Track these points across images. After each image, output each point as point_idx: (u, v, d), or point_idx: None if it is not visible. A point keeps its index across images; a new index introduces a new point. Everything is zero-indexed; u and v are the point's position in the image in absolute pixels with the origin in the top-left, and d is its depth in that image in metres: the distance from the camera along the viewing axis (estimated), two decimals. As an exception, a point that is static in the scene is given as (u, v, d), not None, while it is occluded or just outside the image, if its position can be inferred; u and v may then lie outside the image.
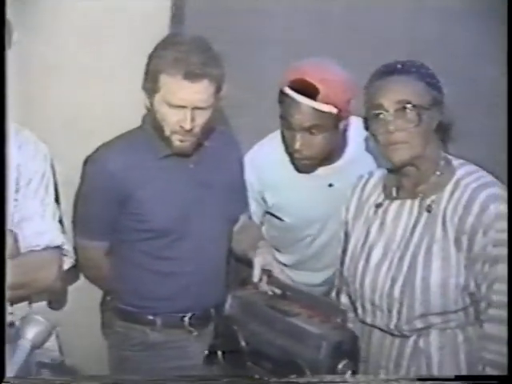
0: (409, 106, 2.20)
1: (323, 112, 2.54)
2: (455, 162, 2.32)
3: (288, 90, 2.56)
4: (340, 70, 2.60)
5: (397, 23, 3.53)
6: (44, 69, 2.62)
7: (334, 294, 2.54)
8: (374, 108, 2.25)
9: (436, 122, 2.27)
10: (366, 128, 2.29)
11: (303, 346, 2.21)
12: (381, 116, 2.23)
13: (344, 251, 2.45)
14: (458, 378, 2.19)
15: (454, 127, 2.33)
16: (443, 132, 2.33)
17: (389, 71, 2.27)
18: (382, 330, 2.32)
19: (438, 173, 2.28)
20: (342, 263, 2.44)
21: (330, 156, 2.71)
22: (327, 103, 2.53)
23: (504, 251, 2.17)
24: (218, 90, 2.47)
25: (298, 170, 2.73)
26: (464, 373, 2.27)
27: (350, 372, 2.19)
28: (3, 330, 2.09)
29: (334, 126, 2.59)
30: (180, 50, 2.39)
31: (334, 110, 2.55)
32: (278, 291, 2.44)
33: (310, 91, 2.52)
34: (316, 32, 3.30)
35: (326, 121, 2.56)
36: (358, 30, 3.41)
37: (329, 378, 2.16)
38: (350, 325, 2.32)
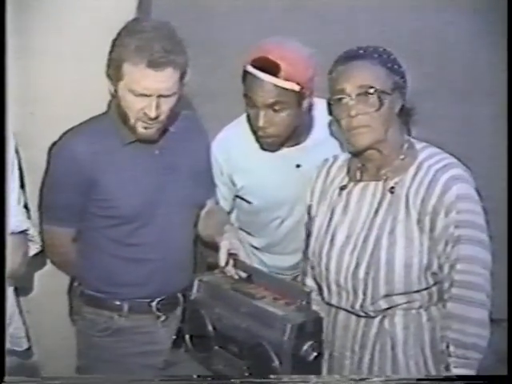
0: (370, 90, 2.22)
1: (285, 89, 2.56)
2: (418, 145, 2.34)
3: (250, 68, 2.59)
4: (302, 48, 2.62)
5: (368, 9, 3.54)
6: (10, 54, 2.59)
7: (300, 276, 2.54)
8: (336, 93, 2.27)
9: (398, 106, 2.30)
10: (330, 113, 2.31)
11: (268, 329, 2.23)
12: (343, 101, 2.25)
13: (309, 234, 2.46)
14: (459, 377, 2.20)
15: (417, 111, 2.36)
16: (406, 116, 2.35)
17: (351, 56, 2.29)
18: (347, 311, 2.34)
19: (401, 156, 2.31)
20: (307, 246, 2.45)
21: (296, 136, 2.72)
22: (289, 80, 2.55)
23: (466, 232, 2.20)
24: (183, 76, 2.45)
25: (263, 148, 2.74)
26: (428, 353, 2.30)
27: (314, 354, 2.21)
28: (3, 330, 2.14)
29: (298, 103, 2.61)
30: (142, 38, 2.37)
31: (296, 87, 2.57)
32: (243, 275, 2.45)
33: (271, 68, 2.54)
34: (286, 15, 3.29)
35: (288, 98, 2.58)
36: (327, 14, 3.41)
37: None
38: (315, 307, 2.33)
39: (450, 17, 3.62)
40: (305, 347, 2.20)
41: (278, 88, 2.55)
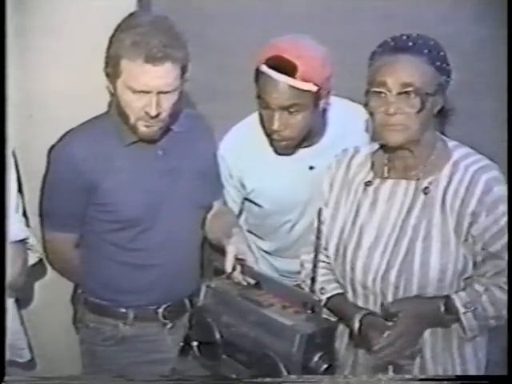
0: (413, 90, 2.10)
1: (302, 90, 2.43)
2: (450, 143, 2.26)
3: (265, 68, 2.45)
4: (318, 46, 2.49)
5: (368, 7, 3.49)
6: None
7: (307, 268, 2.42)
8: (376, 85, 2.14)
9: (438, 107, 2.19)
10: (365, 103, 2.19)
11: (276, 339, 2.14)
12: (382, 95, 2.13)
13: (319, 228, 2.31)
14: (458, 378, 2.19)
15: (454, 111, 2.26)
16: (443, 116, 2.25)
17: (399, 48, 2.15)
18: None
19: (432, 156, 2.22)
20: (327, 241, 2.35)
21: (309, 137, 2.60)
22: (306, 81, 2.42)
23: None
24: (184, 71, 2.36)
25: (277, 151, 2.63)
26: (456, 357, 2.25)
27: (325, 366, 2.11)
28: (3, 330, 2.09)
29: (314, 104, 2.49)
30: (139, 33, 2.28)
31: (314, 88, 2.44)
32: (251, 281, 2.36)
33: (287, 68, 2.41)
34: (291, 10, 3.22)
35: (305, 99, 2.45)
36: (331, 10, 3.34)
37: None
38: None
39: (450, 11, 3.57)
40: (315, 359, 2.10)
41: (295, 89, 2.42)
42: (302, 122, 2.49)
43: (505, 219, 2.14)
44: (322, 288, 2.34)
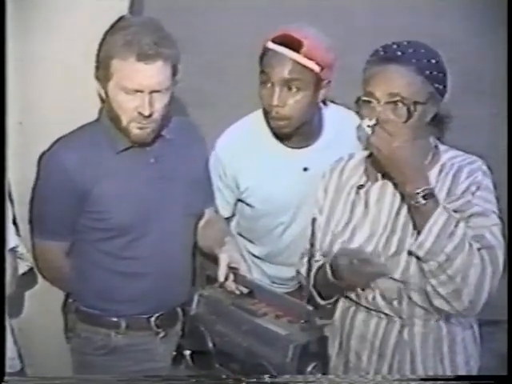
0: (400, 100, 2.12)
1: (305, 67, 2.50)
2: (442, 148, 2.28)
3: (271, 45, 2.53)
4: (324, 37, 2.57)
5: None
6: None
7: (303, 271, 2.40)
8: (366, 94, 2.18)
9: (431, 115, 2.20)
10: (357, 111, 2.22)
11: (270, 349, 2.13)
12: (370, 104, 2.16)
13: (313, 233, 2.28)
14: (457, 377, 2.20)
15: (452, 119, 2.27)
16: (439, 123, 2.26)
17: (388, 58, 2.16)
18: (366, 308, 2.27)
19: (426, 162, 2.23)
20: (321, 245, 2.35)
21: (304, 137, 2.65)
22: (310, 59, 2.49)
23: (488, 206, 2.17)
24: (174, 71, 2.36)
25: (273, 132, 2.64)
26: (447, 362, 2.25)
27: (319, 375, 2.10)
28: (3, 330, 2.10)
29: (314, 87, 2.54)
30: (130, 32, 2.29)
31: (316, 68, 2.51)
32: (245, 290, 2.35)
33: (293, 44, 2.50)
34: (284, 14, 3.22)
35: (306, 77, 2.51)
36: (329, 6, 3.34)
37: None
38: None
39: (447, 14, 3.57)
40: (308, 368, 2.10)
41: (298, 65, 2.49)
42: (300, 103, 2.54)
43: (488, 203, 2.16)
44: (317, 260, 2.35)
